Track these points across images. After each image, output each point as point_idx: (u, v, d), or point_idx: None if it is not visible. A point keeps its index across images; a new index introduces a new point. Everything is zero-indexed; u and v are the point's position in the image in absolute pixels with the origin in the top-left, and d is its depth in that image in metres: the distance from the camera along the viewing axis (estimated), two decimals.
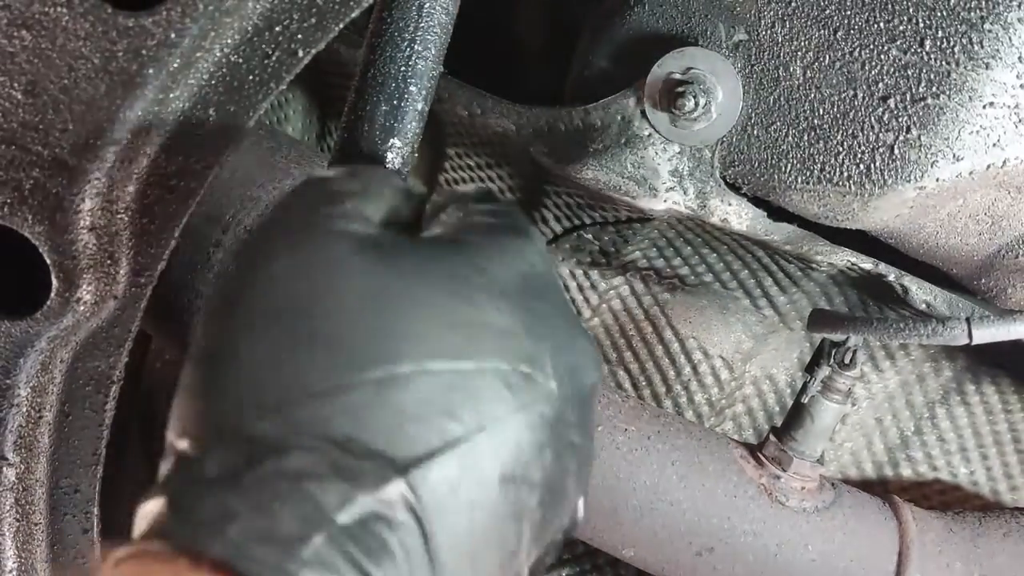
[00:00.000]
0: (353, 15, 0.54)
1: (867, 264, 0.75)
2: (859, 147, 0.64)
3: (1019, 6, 0.58)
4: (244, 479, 0.36)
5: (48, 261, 0.56)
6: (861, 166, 0.64)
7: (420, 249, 0.43)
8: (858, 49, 0.62)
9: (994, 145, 0.63)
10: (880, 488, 0.86)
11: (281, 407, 0.37)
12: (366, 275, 0.40)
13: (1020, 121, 0.62)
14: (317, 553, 0.34)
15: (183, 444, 0.39)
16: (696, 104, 0.67)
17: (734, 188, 0.73)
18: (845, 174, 0.65)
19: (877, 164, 0.64)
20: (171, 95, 0.54)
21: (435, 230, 0.45)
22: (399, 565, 0.35)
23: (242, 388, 0.38)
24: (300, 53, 0.54)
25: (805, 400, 0.72)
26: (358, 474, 0.36)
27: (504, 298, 0.41)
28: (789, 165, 0.67)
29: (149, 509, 0.37)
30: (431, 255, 0.42)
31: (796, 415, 0.73)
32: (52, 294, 0.57)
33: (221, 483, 0.36)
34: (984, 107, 0.62)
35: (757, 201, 0.73)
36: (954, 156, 0.63)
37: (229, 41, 0.53)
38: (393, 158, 0.53)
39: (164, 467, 0.40)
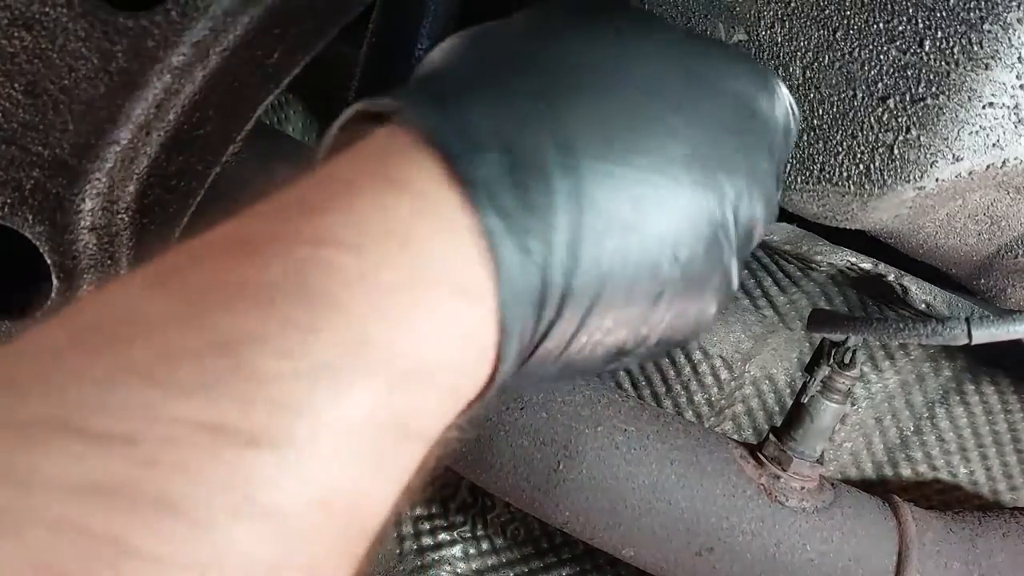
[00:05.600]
0: (354, 15, 0.54)
1: (867, 264, 0.75)
2: (858, 147, 0.64)
3: (1018, 7, 0.58)
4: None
5: (49, 261, 0.56)
6: (860, 166, 0.64)
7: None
8: (857, 49, 0.62)
9: (994, 145, 0.63)
10: (880, 488, 0.86)
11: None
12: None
13: (1020, 122, 0.62)
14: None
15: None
16: None
17: None
18: (844, 174, 0.65)
19: (876, 164, 0.64)
20: (171, 95, 0.54)
21: None
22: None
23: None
24: (300, 53, 0.54)
25: (804, 400, 0.72)
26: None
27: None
28: (788, 165, 0.67)
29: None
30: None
31: (795, 415, 0.73)
32: (53, 294, 0.57)
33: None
34: (983, 107, 0.62)
35: None
36: (953, 156, 0.63)
37: (229, 41, 0.53)
38: None
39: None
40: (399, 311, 0.30)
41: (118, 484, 0.24)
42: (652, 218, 0.36)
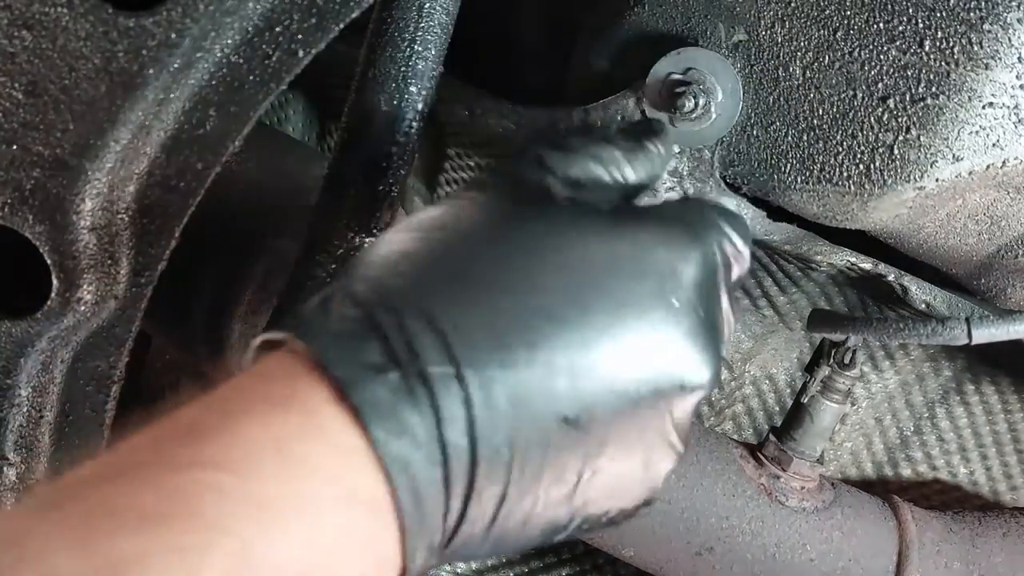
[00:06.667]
0: (353, 15, 0.54)
1: (867, 264, 0.75)
2: (858, 147, 0.64)
3: (1018, 7, 0.58)
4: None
5: (49, 261, 0.56)
6: (860, 166, 0.64)
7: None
8: (857, 49, 0.62)
9: (993, 145, 0.63)
10: (880, 488, 0.86)
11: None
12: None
13: (1019, 121, 0.62)
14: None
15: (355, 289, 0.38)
16: (696, 104, 0.67)
17: (734, 188, 0.73)
18: (844, 174, 0.65)
19: (876, 164, 0.64)
20: (171, 95, 0.54)
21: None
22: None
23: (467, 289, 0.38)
24: (300, 53, 0.54)
25: (805, 400, 0.72)
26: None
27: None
28: (788, 165, 0.67)
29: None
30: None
31: (796, 415, 0.73)
32: (53, 294, 0.57)
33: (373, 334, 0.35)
34: (983, 107, 0.62)
35: (756, 201, 0.73)
36: (953, 156, 0.63)
37: (229, 41, 0.54)
38: None
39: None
40: (281, 524, 0.31)
41: None
42: (550, 390, 0.37)
